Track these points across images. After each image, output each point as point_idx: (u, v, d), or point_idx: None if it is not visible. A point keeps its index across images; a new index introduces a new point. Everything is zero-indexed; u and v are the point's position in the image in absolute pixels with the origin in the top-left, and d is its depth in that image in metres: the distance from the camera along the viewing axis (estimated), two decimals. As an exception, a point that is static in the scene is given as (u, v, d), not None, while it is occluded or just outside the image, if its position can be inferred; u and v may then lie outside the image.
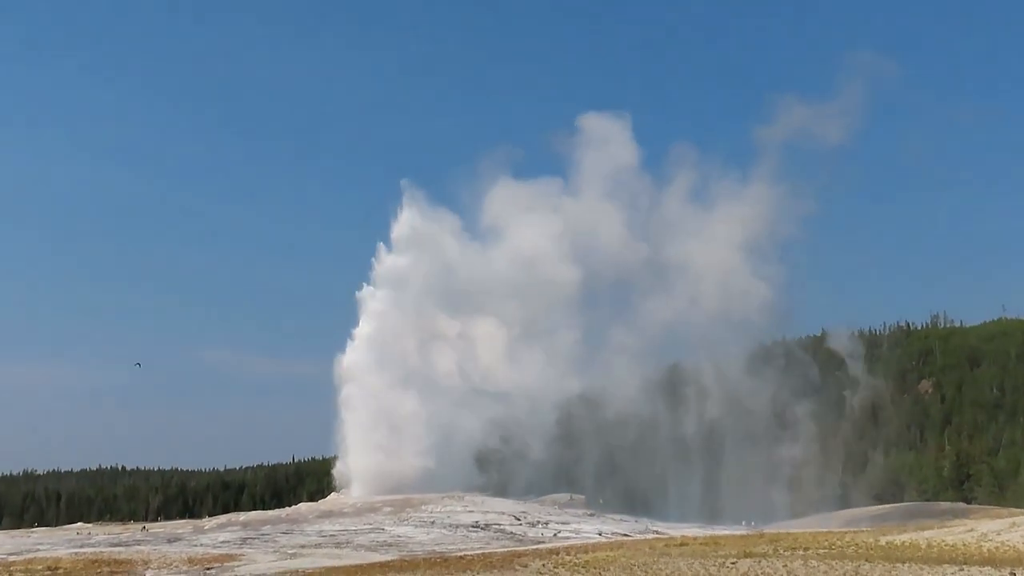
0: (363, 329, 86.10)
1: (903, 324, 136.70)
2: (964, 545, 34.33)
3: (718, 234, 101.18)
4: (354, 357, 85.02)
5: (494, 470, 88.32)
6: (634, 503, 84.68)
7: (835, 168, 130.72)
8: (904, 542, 36.15)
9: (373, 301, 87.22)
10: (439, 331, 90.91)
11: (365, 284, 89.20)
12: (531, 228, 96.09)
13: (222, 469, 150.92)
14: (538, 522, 59.22)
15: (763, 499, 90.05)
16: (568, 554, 36.41)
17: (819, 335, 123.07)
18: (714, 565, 29.91)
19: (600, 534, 54.52)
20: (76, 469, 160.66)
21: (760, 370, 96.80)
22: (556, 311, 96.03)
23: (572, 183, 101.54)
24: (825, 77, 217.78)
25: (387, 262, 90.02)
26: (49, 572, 38.50)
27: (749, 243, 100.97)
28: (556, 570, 30.44)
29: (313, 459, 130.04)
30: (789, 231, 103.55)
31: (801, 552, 33.78)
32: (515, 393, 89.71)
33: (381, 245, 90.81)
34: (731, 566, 29.53)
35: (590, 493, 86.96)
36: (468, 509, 63.08)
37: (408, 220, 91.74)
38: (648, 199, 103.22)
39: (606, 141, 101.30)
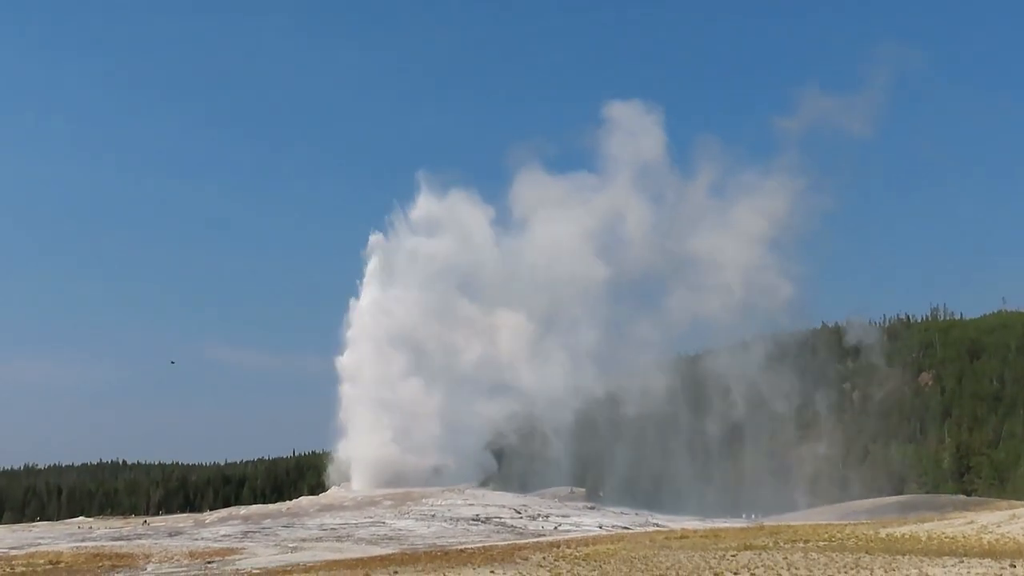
0: (369, 291, 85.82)
1: (903, 316, 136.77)
2: (964, 537, 34.37)
3: (737, 227, 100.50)
4: (358, 321, 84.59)
5: (510, 465, 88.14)
6: (653, 499, 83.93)
7: (851, 160, 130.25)
8: (904, 534, 36.19)
9: (381, 272, 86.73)
10: (457, 317, 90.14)
11: (376, 231, 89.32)
12: (557, 222, 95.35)
13: (223, 463, 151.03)
14: (538, 515, 59.32)
15: (782, 493, 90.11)
16: (568, 547, 36.45)
17: (819, 328, 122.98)
18: (714, 558, 29.93)
19: (600, 527, 54.61)
20: (77, 463, 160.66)
21: (779, 365, 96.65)
22: (579, 306, 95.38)
23: (599, 176, 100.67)
24: (844, 69, 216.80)
25: (403, 239, 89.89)
26: (50, 566, 38.57)
27: (768, 236, 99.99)
28: (556, 563, 30.46)
29: (313, 453, 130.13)
30: (806, 224, 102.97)
31: (801, 544, 33.81)
32: (535, 387, 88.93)
33: (400, 214, 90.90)
34: (731, 559, 29.55)
35: (608, 490, 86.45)
36: (469, 502, 63.18)
37: (426, 204, 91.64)
38: (674, 192, 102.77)
39: (634, 133, 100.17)
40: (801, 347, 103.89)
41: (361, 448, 79.93)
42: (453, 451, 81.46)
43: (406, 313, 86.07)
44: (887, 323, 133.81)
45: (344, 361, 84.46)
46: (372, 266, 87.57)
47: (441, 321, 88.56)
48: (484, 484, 78.22)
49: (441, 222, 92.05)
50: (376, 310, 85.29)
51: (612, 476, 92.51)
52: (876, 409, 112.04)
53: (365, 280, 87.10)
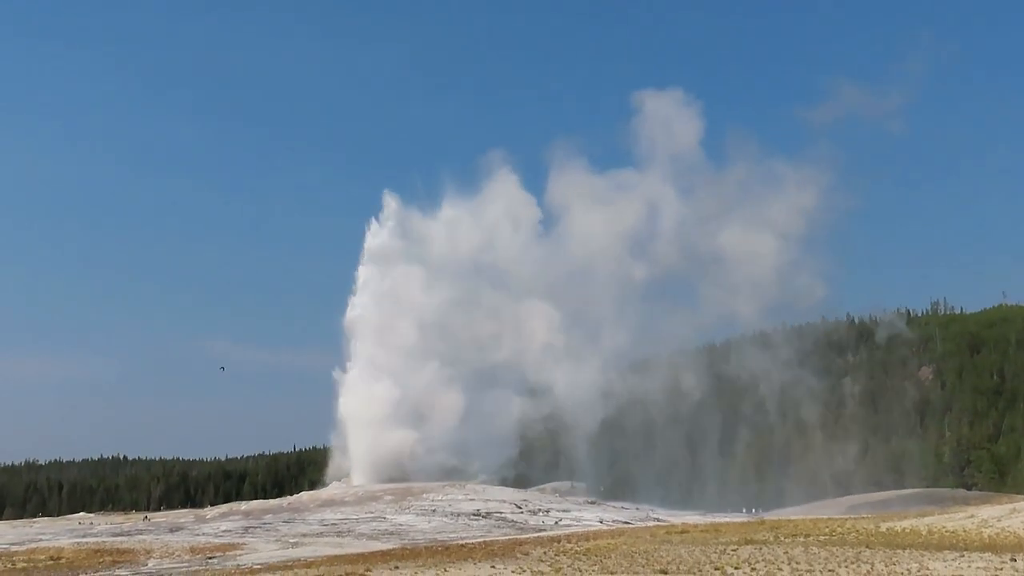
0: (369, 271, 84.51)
1: (903, 310, 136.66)
2: (964, 531, 34.41)
3: (761, 221, 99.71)
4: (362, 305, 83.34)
5: (530, 463, 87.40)
6: (682, 498, 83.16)
7: (875, 154, 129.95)
8: (905, 528, 36.23)
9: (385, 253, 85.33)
10: (484, 308, 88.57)
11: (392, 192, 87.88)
12: (591, 217, 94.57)
13: (224, 458, 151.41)
14: (539, 510, 59.34)
15: (783, 487, 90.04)
16: (569, 542, 36.44)
17: (819, 322, 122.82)
18: (715, 552, 29.92)
19: (601, 522, 54.66)
20: (78, 459, 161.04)
21: (786, 359, 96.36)
22: (608, 303, 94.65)
23: (633, 170, 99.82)
24: (852, 63, 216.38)
25: (431, 224, 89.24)
26: (52, 562, 38.54)
27: (791, 230, 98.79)
28: (557, 558, 30.44)
29: (314, 448, 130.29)
30: (827, 218, 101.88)
31: (802, 539, 33.84)
32: (561, 385, 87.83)
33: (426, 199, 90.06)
34: (732, 553, 29.54)
35: (639, 490, 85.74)
36: (469, 497, 63.20)
37: (450, 207, 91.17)
38: (706, 187, 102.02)
39: (671, 125, 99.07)
40: (804, 341, 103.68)
41: (366, 441, 79.11)
42: (474, 447, 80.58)
43: (429, 298, 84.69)
44: (888, 317, 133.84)
45: (350, 317, 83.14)
46: (385, 217, 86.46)
47: (467, 311, 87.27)
48: (503, 482, 77.62)
49: (478, 210, 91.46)
50: (390, 284, 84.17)
51: (637, 474, 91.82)
52: (877, 403, 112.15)
53: (372, 235, 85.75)
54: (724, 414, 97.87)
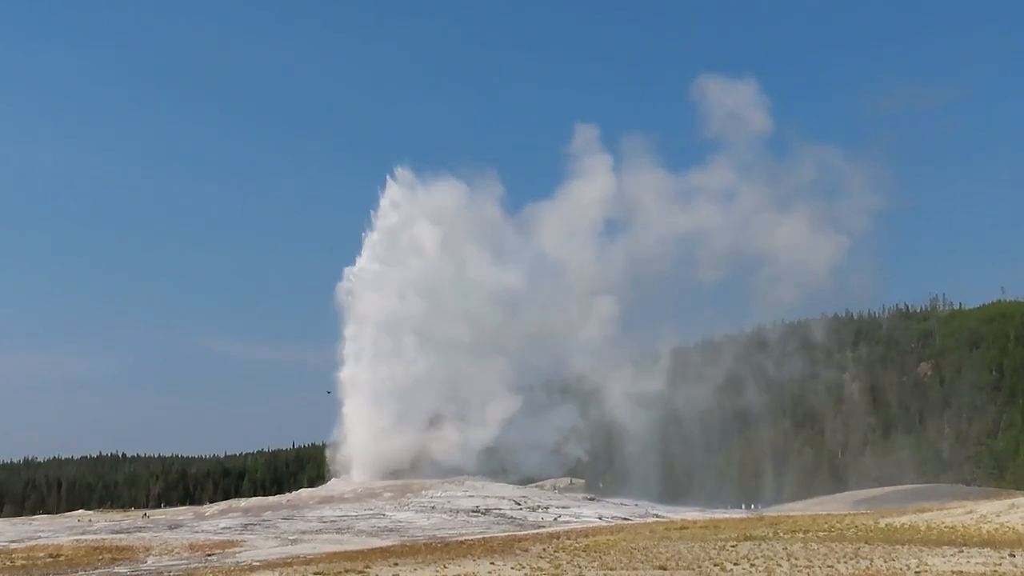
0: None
1: (902, 306, 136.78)
2: (963, 527, 34.42)
3: (809, 216, 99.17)
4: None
5: (589, 466, 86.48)
6: (725, 500, 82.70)
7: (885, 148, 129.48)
8: (904, 524, 36.24)
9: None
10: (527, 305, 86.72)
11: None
12: (649, 216, 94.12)
13: (222, 455, 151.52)
14: (538, 507, 59.41)
15: (782, 483, 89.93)
16: (569, 538, 36.44)
17: (818, 318, 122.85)
18: (714, 548, 29.92)
19: (600, 518, 54.74)
20: (77, 456, 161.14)
21: (807, 356, 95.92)
22: (654, 307, 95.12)
23: (702, 166, 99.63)
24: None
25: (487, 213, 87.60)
26: (51, 559, 38.47)
27: (843, 226, 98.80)
28: (557, 554, 30.42)
29: (313, 445, 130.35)
30: (878, 213, 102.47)
31: (801, 535, 33.83)
32: (606, 388, 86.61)
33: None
34: (731, 549, 29.54)
35: (682, 493, 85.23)
36: (468, 494, 63.25)
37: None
38: (766, 183, 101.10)
39: (738, 123, 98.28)
40: (808, 336, 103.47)
41: (363, 442, 78.60)
42: (523, 450, 79.83)
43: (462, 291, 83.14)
44: (887, 313, 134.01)
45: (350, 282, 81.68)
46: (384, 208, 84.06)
47: (521, 305, 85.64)
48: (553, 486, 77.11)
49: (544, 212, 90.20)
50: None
51: (679, 479, 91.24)
52: (876, 399, 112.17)
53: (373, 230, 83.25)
54: (731, 412, 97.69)
